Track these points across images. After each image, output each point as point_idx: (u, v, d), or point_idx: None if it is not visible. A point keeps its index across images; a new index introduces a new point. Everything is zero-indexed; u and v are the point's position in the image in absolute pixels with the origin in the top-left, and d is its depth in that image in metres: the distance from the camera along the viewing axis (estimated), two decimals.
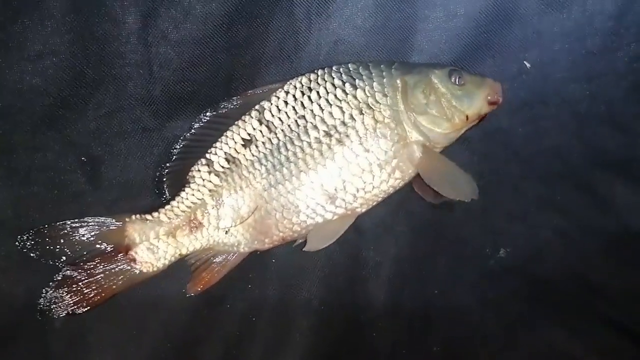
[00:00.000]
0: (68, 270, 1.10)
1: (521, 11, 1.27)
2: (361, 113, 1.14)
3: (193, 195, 1.17)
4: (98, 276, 1.12)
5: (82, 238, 1.11)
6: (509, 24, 1.28)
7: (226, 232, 1.16)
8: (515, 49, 1.29)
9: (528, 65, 1.30)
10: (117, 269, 1.13)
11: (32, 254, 1.10)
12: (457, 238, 1.33)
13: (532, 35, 1.28)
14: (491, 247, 1.32)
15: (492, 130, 1.31)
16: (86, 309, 1.10)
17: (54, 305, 1.09)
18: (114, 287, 1.12)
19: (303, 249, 1.16)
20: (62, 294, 1.10)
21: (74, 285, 1.10)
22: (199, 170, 1.18)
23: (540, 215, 1.32)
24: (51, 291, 1.10)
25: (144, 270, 1.15)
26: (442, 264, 1.31)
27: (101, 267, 1.12)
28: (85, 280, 1.11)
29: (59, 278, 1.10)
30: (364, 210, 1.18)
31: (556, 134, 1.30)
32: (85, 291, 1.11)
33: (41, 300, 1.09)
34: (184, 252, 1.16)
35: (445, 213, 1.32)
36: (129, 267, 1.14)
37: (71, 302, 1.10)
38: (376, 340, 1.26)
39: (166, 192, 1.19)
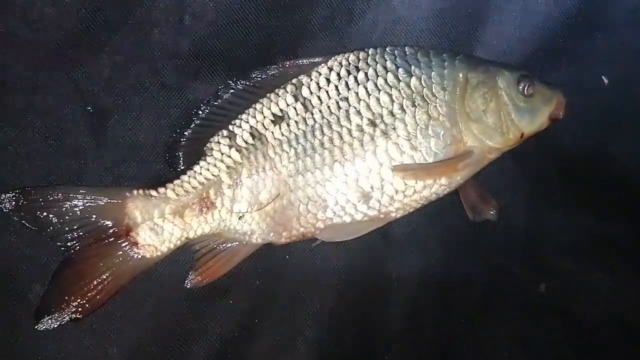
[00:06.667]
0: (62, 265, 0.95)
1: (608, 19, 1.13)
2: (414, 105, 1.00)
3: (208, 170, 1.02)
4: (97, 266, 0.95)
5: (75, 209, 0.95)
6: (592, 31, 1.15)
7: (240, 218, 1.01)
8: (594, 61, 1.16)
9: (606, 80, 1.16)
10: (117, 255, 0.97)
11: (14, 216, 0.94)
12: (495, 264, 1.19)
13: (616, 49, 1.14)
14: (531, 279, 1.17)
15: (552, 147, 1.17)
16: (88, 311, 0.95)
17: (54, 313, 0.93)
18: (117, 278, 0.96)
19: (316, 236, 1.02)
20: (60, 296, 0.94)
21: (72, 284, 0.94)
22: (218, 143, 1.03)
23: (593, 253, 1.17)
24: (48, 294, 0.95)
25: (147, 255, 0.99)
26: (473, 290, 1.16)
27: (99, 253, 0.96)
28: (84, 274, 0.95)
29: (53, 277, 0.95)
30: (398, 216, 1.05)
31: (626, 164, 1.15)
32: (86, 289, 0.94)
33: (39, 307, 0.94)
34: (191, 235, 1.01)
35: (486, 233, 1.17)
36: (130, 252, 0.98)
37: (72, 305, 0.94)
38: None
39: (178, 161, 1.04)
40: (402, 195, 1.01)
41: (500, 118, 1.01)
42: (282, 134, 1.01)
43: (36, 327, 0.94)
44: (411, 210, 1.04)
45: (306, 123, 1.01)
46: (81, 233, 0.96)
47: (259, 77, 1.03)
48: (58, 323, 0.94)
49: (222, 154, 1.02)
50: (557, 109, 1.03)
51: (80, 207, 0.96)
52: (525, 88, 1.02)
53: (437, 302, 1.15)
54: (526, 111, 1.02)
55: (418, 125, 1.00)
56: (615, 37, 1.14)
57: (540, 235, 1.18)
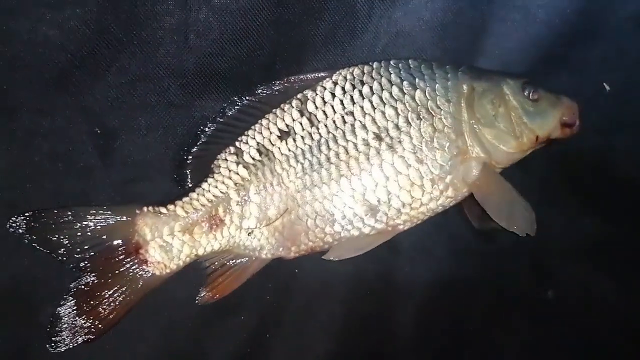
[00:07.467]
0: (73, 286, 0.95)
1: (609, 27, 1.14)
2: (419, 118, 1.01)
3: (216, 187, 1.02)
4: (108, 286, 0.96)
5: (85, 230, 0.95)
6: (592, 39, 1.15)
7: (249, 234, 1.02)
8: (595, 68, 1.16)
9: (607, 87, 1.17)
10: (127, 273, 0.98)
11: (25, 239, 0.94)
12: (501, 271, 1.19)
13: (617, 56, 1.15)
14: (538, 286, 1.18)
15: (556, 154, 1.17)
16: (101, 331, 0.95)
17: (67, 334, 0.94)
18: (127, 297, 0.97)
19: (323, 257, 1.02)
20: (73, 317, 0.94)
21: (84, 305, 0.95)
22: (225, 160, 1.04)
23: (600, 259, 1.17)
24: (60, 316, 0.94)
25: (157, 273, 0.99)
26: (481, 298, 1.17)
27: (109, 272, 0.96)
28: (95, 294, 0.95)
29: (65, 298, 0.95)
30: (406, 228, 1.05)
31: (630, 168, 1.16)
32: (98, 309, 0.95)
33: (52, 328, 0.94)
34: (200, 252, 1.01)
35: (492, 242, 1.18)
36: (140, 270, 0.98)
37: (85, 326, 0.94)
38: None
39: (186, 179, 1.05)
40: (409, 208, 1.01)
41: (511, 122, 1.01)
42: (289, 150, 1.02)
43: (49, 349, 0.94)
44: (418, 222, 1.05)
45: (312, 138, 1.01)
46: (92, 253, 0.96)
47: (264, 93, 1.04)
48: (72, 344, 0.94)
49: (230, 171, 1.03)
50: (568, 112, 1.03)
51: (91, 227, 0.96)
52: (531, 93, 1.03)
53: (445, 310, 1.15)
54: (536, 114, 1.02)
55: (423, 138, 1.00)
56: (615, 44, 1.14)
57: (545, 242, 1.18)
